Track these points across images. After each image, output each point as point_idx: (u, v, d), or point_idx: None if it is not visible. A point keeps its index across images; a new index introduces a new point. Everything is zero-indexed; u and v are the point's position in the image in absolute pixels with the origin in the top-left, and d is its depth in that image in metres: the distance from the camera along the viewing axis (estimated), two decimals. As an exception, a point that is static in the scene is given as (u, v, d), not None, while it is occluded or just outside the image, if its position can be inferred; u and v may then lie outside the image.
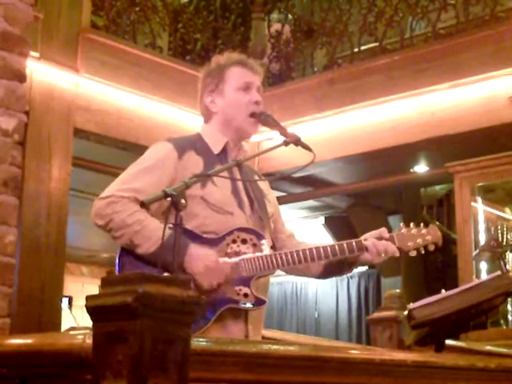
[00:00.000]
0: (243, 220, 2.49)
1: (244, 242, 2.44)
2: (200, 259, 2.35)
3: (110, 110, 5.60)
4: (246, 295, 2.40)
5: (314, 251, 2.48)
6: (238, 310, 2.40)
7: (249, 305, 2.40)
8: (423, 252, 2.59)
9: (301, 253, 2.47)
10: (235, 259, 2.42)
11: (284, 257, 2.46)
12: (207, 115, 2.66)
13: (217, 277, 2.36)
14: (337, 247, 2.49)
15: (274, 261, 2.44)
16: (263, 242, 2.47)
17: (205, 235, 2.42)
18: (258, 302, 2.43)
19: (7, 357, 1.73)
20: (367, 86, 5.97)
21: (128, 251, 2.38)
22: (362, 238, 2.55)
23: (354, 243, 2.51)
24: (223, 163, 2.48)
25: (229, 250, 2.43)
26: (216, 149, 2.57)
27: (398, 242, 2.56)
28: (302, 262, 2.47)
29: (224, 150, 2.58)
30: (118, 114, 5.64)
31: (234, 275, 2.40)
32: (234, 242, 2.43)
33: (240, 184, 2.56)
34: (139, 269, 2.31)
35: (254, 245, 2.45)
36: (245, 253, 2.43)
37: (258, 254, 2.44)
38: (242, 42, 6.98)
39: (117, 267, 2.39)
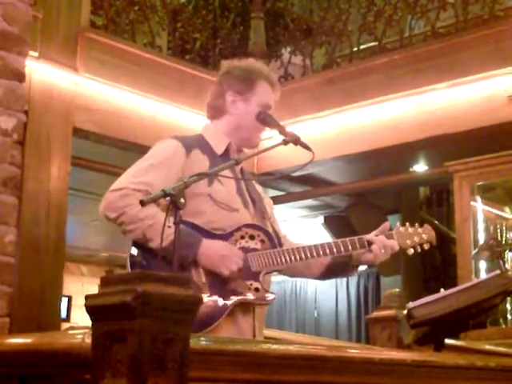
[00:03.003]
0: (248, 218, 2.53)
1: (252, 237, 2.47)
2: (214, 250, 2.37)
3: (110, 109, 5.59)
4: (256, 290, 2.43)
5: (320, 247, 2.51)
6: (247, 305, 2.43)
7: (259, 299, 2.43)
8: (419, 250, 2.65)
9: (307, 249, 2.50)
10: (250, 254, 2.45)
11: (291, 253, 2.48)
12: (219, 112, 2.65)
13: (234, 262, 2.39)
14: (340, 243, 2.52)
15: (283, 257, 2.47)
16: (270, 238, 2.50)
17: (213, 231, 2.44)
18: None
19: (7, 356, 1.73)
20: (366, 86, 5.97)
21: (139, 247, 2.39)
22: (366, 236, 2.57)
23: (356, 240, 2.54)
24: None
25: (237, 246, 2.45)
26: (219, 150, 2.58)
27: (397, 239, 2.60)
28: (308, 258, 2.50)
29: (227, 151, 2.59)
30: (118, 114, 5.63)
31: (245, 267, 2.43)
32: (243, 237, 2.46)
33: (243, 185, 2.59)
34: (151, 264, 2.32)
35: (262, 241, 2.48)
36: (254, 248, 2.46)
37: (267, 249, 2.48)
38: (242, 41, 6.98)
39: (128, 264, 2.40)
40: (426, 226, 2.67)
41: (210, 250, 2.37)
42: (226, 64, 2.70)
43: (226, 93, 2.62)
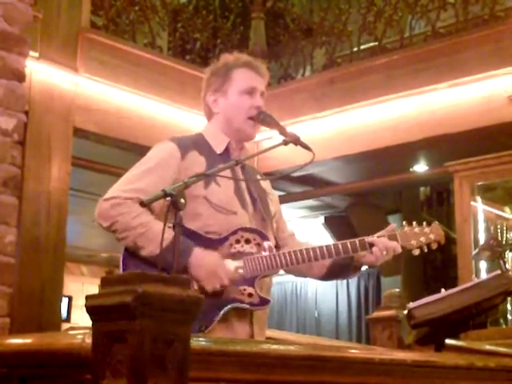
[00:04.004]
0: (246, 220, 2.49)
1: (248, 241, 2.44)
2: (203, 264, 2.34)
3: (110, 109, 5.59)
4: (250, 295, 2.40)
5: (318, 250, 2.47)
6: (243, 310, 2.40)
7: (253, 305, 2.41)
8: (426, 250, 2.59)
9: (304, 252, 2.47)
10: (238, 263, 2.42)
11: (288, 256, 2.45)
12: (209, 114, 2.66)
13: (219, 280, 2.35)
14: (340, 246, 2.49)
15: (278, 260, 2.44)
16: (267, 241, 2.47)
17: (208, 235, 2.42)
18: (263, 302, 2.43)
19: (7, 356, 1.73)
20: (367, 86, 5.97)
21: (132, 252, 2.38)
22: (367, 237, 2.55)
23: (357, 242, 2.50)
24: (226, 163, 2.47)
25: (232, 250, 2.42)
26: (219, 149, 2.57)
27: (401, 240, 2.55)
28: (305, 262, 2.47)
29: (227, 150, 2.58)
30: (118, 114, 5.64)
31: (237, 277, 2.40)
32: (238, 241, 2.43)
33: (243, 183, 2.56)
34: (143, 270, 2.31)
35: (258, 244, 2.45)
36: (249, 253, 2.43)
37: (262, 253, 2.44)
38: (242, 41, 6.98)
39: (121, 268, 2.39)
40: (434, 224, 2.62)
41: (201, 261, 2.34)
42: (206, 70, 2.70)
43: (206, 95, 2.63)
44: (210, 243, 2.41)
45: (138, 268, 2.34)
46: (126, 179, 2.46)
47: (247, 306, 2.40)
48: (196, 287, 2.35)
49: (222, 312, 2.35)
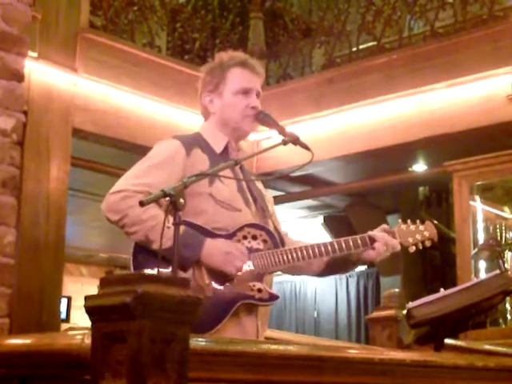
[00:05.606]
0: (250, 217, 2.51)
1: (254, 237, 2.46)
2: (218, 249, 2.37)
3: (109, 109, 5.59)
4: (259, 290, 2.42)
5: (322, 247, 2.50)
6: (252, 306, 2.43)
7: (263, 300, 2.42)
8: (421, 247, 2.64)
9: (310, 249, 2.49)
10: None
11: (294, 253, 2.48)
12: (206, 114, 2.67)
13: (239, 259, 2.39)
14: (343, 243, 2.52)
15: (285, 256, 2.47)
16: (273, 238, 2.49)
17: (215, 231, 2.43)
18: (272, 297, 2.45)
19: (6, 357, 1.73)
20: (366, 85, 5.97)
21: (142, 247, 2.38)
22: (368, 233, 2.57)
23: (358, 238, 2.54)
24: (225, 163, 2.47)
25: None
26: (218, 148, 2.58)
27: (399, 237, 2.60)
28: (311, 258, 2.50)
29: (226, 150, 2.59)
30: (117, 114, 5.63)
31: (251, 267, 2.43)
32: (245, 238, 2.45)
33: (243, 183, 2.58)
34: (154, 265, 2.30)
35: (265, 241, 2.47)
36: (256, 248, 2.45)
37: (269, 249, 2.47)
38: (241, 41, 6.98)
39: (131, 264, 2.39)
40: (428, 222, 2.67)
41: (214, 249, 2.36)
42: (202, 69, 2.70)
43: (202, 95, 2.65)
44: (217, 238, 2.42)
45: (149, 262, 2.33)
46: (133, 174, 2.45)
47: (258, 302, 2.42)
48: (207, 281, 2.35)
49: (234, 308, 2.37)
